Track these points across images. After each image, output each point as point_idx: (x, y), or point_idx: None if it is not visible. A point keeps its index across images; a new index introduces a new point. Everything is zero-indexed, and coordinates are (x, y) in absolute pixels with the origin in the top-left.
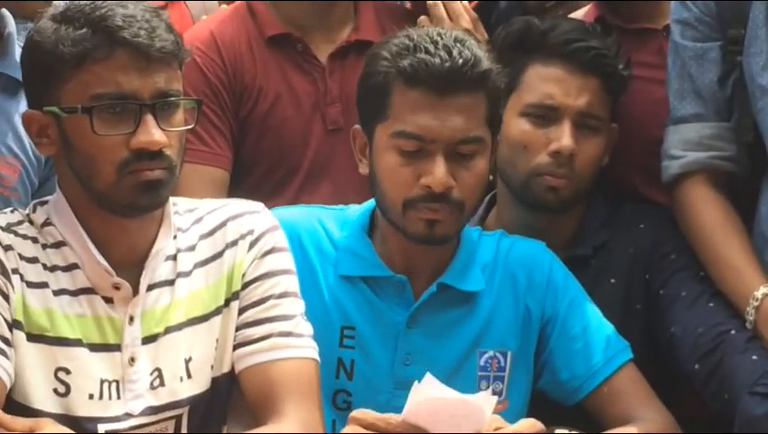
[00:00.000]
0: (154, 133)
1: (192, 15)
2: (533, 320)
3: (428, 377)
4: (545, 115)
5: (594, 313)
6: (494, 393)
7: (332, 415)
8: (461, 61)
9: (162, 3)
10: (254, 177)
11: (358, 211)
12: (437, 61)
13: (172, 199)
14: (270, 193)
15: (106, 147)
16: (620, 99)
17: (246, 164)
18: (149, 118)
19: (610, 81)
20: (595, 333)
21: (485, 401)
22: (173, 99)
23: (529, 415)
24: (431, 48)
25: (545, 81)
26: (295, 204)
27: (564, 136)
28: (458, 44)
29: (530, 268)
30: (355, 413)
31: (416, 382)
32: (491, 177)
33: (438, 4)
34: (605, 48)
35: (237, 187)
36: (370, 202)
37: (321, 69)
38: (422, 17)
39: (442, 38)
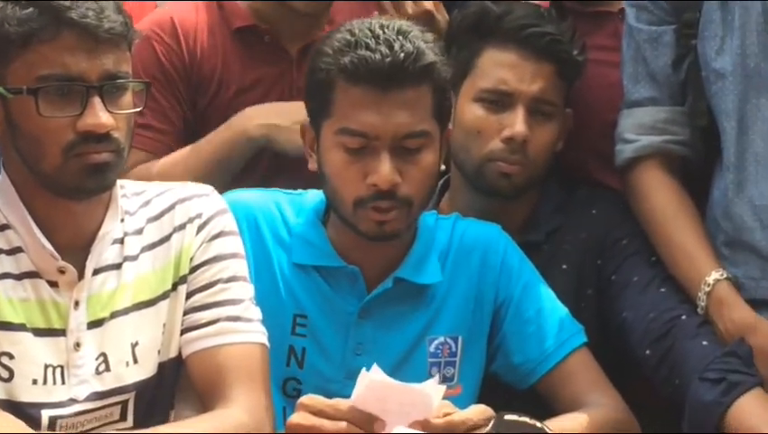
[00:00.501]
0: (101, 115)
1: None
2: (486, 303)
3: (375, 367)
4: (498, 100)
5: (548, 296)
6: (445, 378)
7: (282, 402)
8: (402, 55)
9: None
10: None
11: (314, 197)
12: (378, 57)
13: (119, 182)
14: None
15: (51, 129)
16: (574, 84)
17: None
18: (96, 101)
19: (564, 67)
20: (549, 316)
21: (433, 389)
22: (121, 81)
23: (480, 399)
24: (372, 43)
25: (499, 67)
26: None
27: (517, 123)
28: (400, 37)
29: (484, 251)
30: (303, 399)
31: (363, 368)
32: (443, 167)
33: None
34: (560, 34)
35: None
36: None
37: (289, 60)
38: None
39: (384, 31)
